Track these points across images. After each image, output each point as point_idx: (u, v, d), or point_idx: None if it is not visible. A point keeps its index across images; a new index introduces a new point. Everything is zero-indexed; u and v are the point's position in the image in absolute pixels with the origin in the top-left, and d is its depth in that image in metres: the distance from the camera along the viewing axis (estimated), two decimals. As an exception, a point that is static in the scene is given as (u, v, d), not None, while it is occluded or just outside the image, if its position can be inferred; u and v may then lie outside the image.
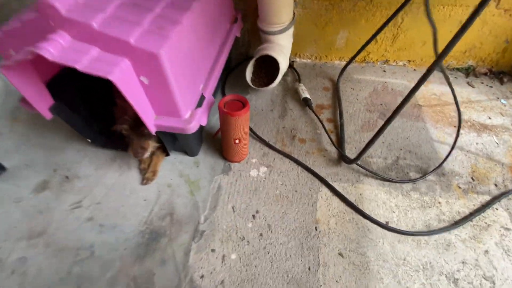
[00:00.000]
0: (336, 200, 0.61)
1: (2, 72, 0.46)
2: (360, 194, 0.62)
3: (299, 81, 0.89)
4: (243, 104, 0.57)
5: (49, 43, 0.43)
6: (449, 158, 0.67)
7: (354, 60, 0.88)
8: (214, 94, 0.67)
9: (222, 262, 0.52)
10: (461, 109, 0.82)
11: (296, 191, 0.63)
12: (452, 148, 0.67)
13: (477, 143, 0.74)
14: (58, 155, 0.72)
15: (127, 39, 0.43)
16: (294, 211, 0.59)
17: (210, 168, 0.68)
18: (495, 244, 0.55)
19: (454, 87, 0.90)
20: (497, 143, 0.74)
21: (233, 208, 0.60)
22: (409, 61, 0.96)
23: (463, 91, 0.89)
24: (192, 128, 0.54)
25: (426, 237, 0.56)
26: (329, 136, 0.71)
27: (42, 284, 0.51)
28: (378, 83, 0.90)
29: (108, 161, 0.70)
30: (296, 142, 0.73)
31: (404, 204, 0.61)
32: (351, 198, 0.61)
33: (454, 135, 0.74)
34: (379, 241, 0.55)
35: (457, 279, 0.50)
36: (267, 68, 0.84)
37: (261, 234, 0.56)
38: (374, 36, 0.81)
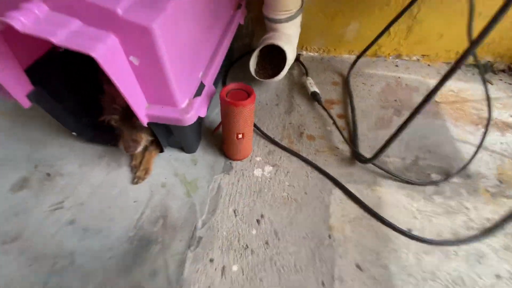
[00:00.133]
0: (351, 204, 0.54)
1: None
2: (378, 198, 0.55)
3: (307, 74, 0.83)
4: (248, 93, 0.51)
5: (21, 13, 0.36)
6: (473, 158, 0.61)
7: (364, 54, 0.82)
8: (215, 87, 0.60)
9: (222, 274, 0.45)
10: (481, 107, 0.76)
11: (305, 193, 0.56)
12: (478, 148, 0.61)
13: (501, 143, 0.67)
14: (40, 150, 0.65)
15: (114, 9, 0.36)
16: (304, 216, 0.52)
17: (209, 166, 0.61)
18: (533, 256, 0.48)
19: (471, 84, 0.85)
20: (524, 143, 0.67)
21: (234, 211, 0.53)
22: (423, 55, 0.90)
23: (481, 89, 0.82)
24: (190, 119, 0.47)
25: (454, 247, 0.49)
26: (341, 133, 0.65)
27: (11, 299, 0.44)
28: (390, 78, 0.84)
29: (95, 157, 0.63)
30: (304, 139, 0.66)
31: (428, 209, 0.54)
32: (368, 202, 0.54)
33: (477, 134, 0.68)
34: (403, 252, 0.48)
35: (494, 297, 0.43)
36: (273, 59, 0.78)
37: (266, 242, 0.49)
38: (387, 27, 0.75)
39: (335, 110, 0.74)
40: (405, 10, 0.71)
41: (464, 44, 0.88)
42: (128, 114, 0.49)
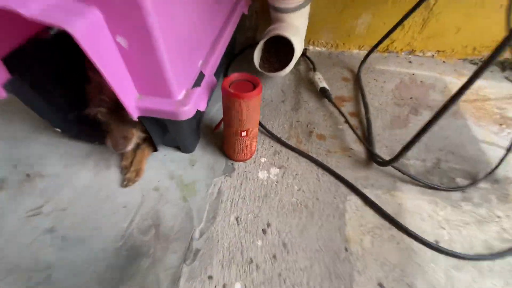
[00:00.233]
0: (369, 212, 0.48)
1: None
2: (399, 204, 0.49)
3: (314, 69, 0.77)
4: (254, 84, 0.44)
5: (-17, -19, 0.29)
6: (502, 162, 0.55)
7: (375, 49, 0.77)
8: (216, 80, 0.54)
9: (222, 294, 0.39)
10: (503, 105, 0.70)
11: (317, 199, 0.50)
12: (508, 151, 0.55)
13: (529, 145, 0.61)
14: (21, 148, 0.58)
15: (96, -23, 0.30)
16: (316, 226, 0.46)
17: (208, 168, 0.54)
18: None
19: (490, 81, 0.79)
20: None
21: (237, 219, 0.47)
22: (438, 51, 0.84)
23: (502, 86, 0.77)
24: (187, 112, 0.41)
25: (489, 262, 0.43)
26: (355, 132, 0.59)
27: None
28: (404, 75, 0.78)
29: (81, 157, 0.57)
30: (313, 139, 0.60)
31: (455, 218, 0.48)
32: (388, 209, 0.48)
33: (501, 134, 0.62)
34: (430, 268, 0.42)
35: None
36: (279, 52, 0.72)
37: (274, 256, 0.43)
38: (403, 19, 0.70)
39: (346, 108, 0.68)
40: (422, 1, 0.65)
41: (482, 39, 0.84)
42: (117, 107, 0.43)
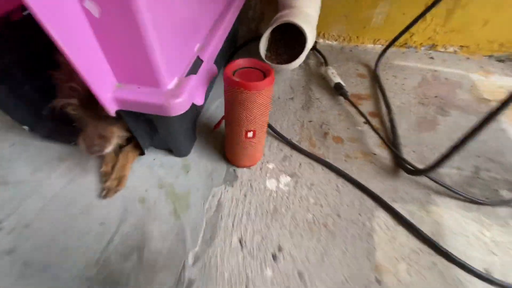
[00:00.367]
0: (402, 232, 0.39)
1: None
2: (437, 223, 0.40)
3: (326, 64, 0.69)
4: (264, 73, 0.36)
5: None
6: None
7: (394, 43, 0.68)
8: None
9: None
10: (539, 107, 0.62)
11: (338, 215, 0.41)
12: (560, 157, 0.47)
13: None
14: (-18, 150, 0.49)
15: None
16: (339, 250, 0.37)
17: (206, 175, 0.46)
18: None
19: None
20: None
21: (240, 241, 0.38)
22: (461, 46, 0.76)
23: (533, 86, 0.69)
24: (179, 106, 0.32)
25: (555, 299, 0.34)
26: (379, 135, 0.50)
27: None
28: (426, 72, 0.70)
29: (54, 160, 0.47)
30: (329, 142, 0.52)
31: (505, 239, 0.39)
32: (425, 229, 0.39)
33: (543, 140, 0.54)
34: (485, 306, 0.33)
35: None
36: (287, 43, 0.63)
37: (288, 290, 0.34)
38: (426, 10, 0.62)
39: (364, 107, 0.59)
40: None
41: (511, 34, 0.76)
42: (92, 98, 0.34)
